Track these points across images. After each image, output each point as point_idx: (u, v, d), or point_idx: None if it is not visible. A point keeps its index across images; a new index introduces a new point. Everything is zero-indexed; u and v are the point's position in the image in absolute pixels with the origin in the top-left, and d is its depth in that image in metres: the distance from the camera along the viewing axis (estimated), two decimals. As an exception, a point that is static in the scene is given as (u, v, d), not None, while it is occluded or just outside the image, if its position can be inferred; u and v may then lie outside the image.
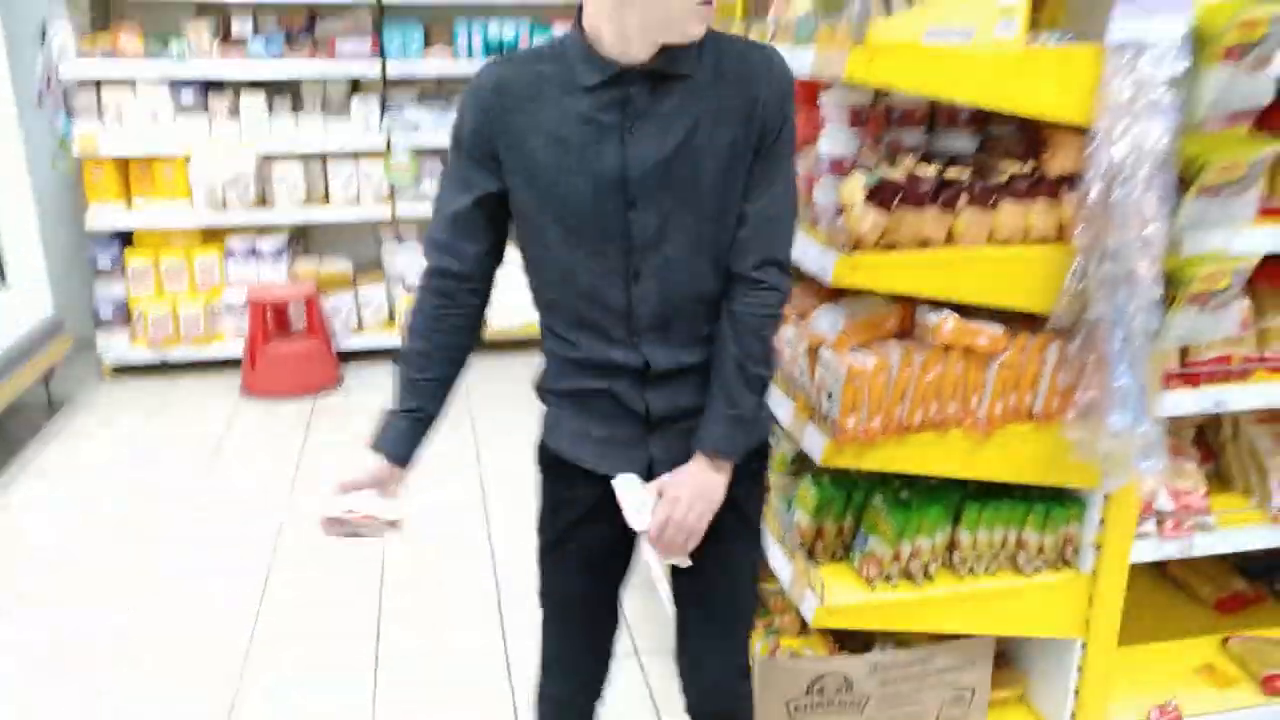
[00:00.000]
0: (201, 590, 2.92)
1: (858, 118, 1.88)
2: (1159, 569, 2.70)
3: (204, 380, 4.66)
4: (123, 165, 4.65)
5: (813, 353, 1.89)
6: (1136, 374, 1.77)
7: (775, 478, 2.18)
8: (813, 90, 1.97)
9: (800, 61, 1.83)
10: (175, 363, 4.76)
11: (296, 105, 4.89)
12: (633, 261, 1.42)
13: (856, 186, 1.75)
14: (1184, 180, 1.70)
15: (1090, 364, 1.81)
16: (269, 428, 4.14)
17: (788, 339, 1.99)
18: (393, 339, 4.93)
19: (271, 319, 4.51)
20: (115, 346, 4.68)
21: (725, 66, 1.40)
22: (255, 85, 4.81)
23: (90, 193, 4.60)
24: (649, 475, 1.50)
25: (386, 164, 4.87)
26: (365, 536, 1.50)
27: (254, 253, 4.78)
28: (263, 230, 4.86)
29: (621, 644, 1.76)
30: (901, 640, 2.07)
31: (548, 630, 1.67)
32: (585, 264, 1.42)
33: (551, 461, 1.58)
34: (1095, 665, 2.08)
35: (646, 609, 2.76)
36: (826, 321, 1.89)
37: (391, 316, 5.02)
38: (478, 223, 1.47)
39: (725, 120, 1.38)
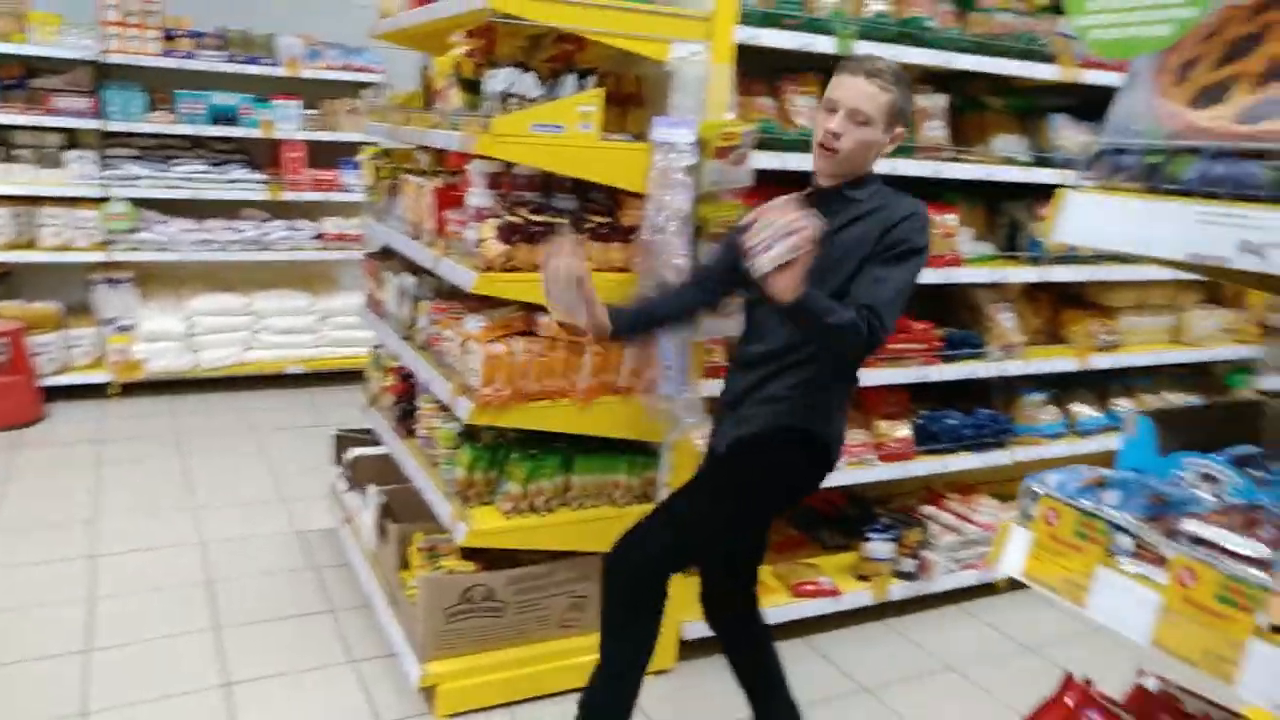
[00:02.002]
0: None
1: (494, 181, 2.67)
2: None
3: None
4: None
5: (464, 345, 2.62)
6: (678, 358, 2.66)
7: (441, 451, 2.87)
8: (464, 159, 2.75)
9: (450, 140, 2.61)
10: None
11: (7, 154, 5.04)
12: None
13: (489, 227, 2.53)
14: (699, 231, 2.63)
15: (649, 352, 2.68)
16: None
17: (446, 336, 2.72)
18: (100, 377, 5.12)
19: (-27, 355, 4.59)
20: None
21: (879, 207, 2.13)
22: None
23: None
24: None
25: (103, 212, 5.12)
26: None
27: (-47, 292, 4.83)
28: (-36, 271, 4.93)
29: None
30: (532, 560, 2.79)
31: None
32: None
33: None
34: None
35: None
36: (473, 323, 2.64)
37: (101, 358, 5.21)
38: None
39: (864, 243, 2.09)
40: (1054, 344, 3.77)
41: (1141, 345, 3.86)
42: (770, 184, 3.05)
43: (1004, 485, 3.87)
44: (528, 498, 2.71)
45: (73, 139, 5.25)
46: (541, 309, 2.67)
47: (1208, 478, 1.00)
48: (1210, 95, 0.88)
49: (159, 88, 5.39)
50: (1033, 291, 3.82)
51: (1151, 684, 1.21)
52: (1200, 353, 3.98)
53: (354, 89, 5.98)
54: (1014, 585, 3.57)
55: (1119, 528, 0.93)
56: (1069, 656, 3.16)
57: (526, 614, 2.77)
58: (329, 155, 5.88)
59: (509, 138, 2.47)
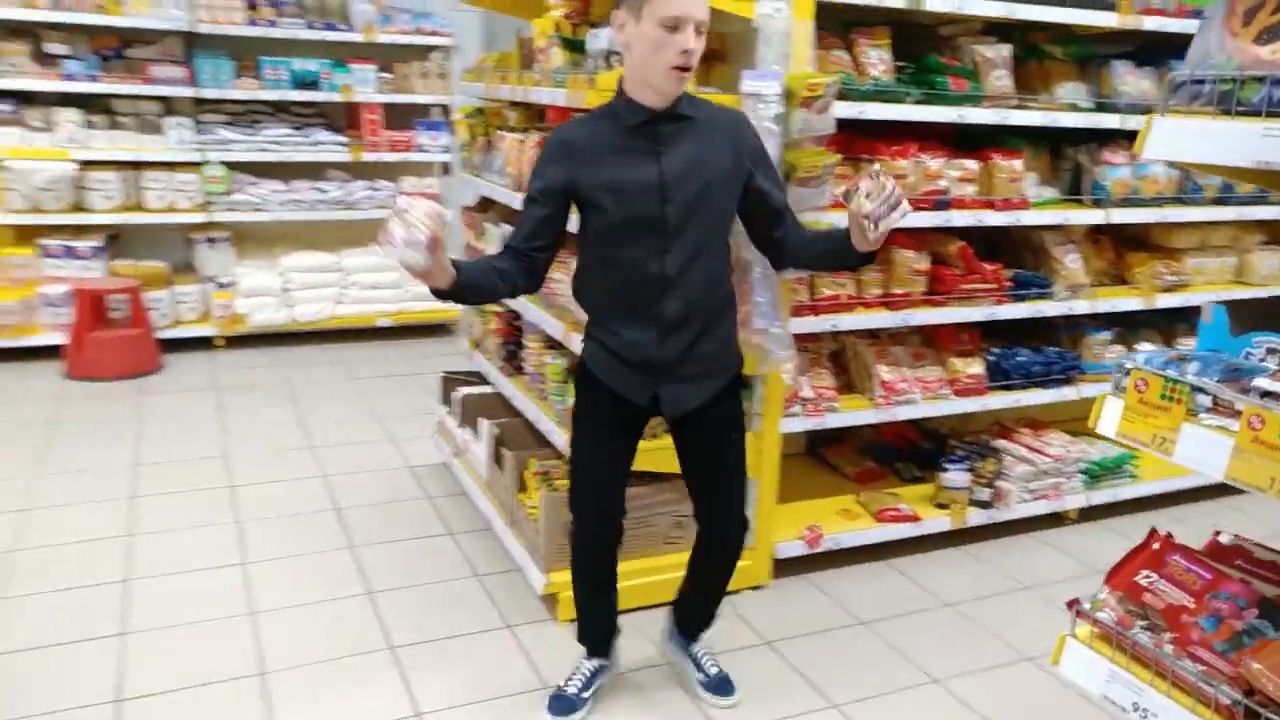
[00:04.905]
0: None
1: (598, 134, 2.90)
2: (820, 458, 3.89)
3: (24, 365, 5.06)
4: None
5: (573, 286, 2.87)
6: (770, 294, 2.88)
7: (551, 385, 3.14)
8: (566, 114, 2.98)
9: (555, 96, 2.85)
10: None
11: (113, 122, 5.39)
12: (665, 242, 2.13)
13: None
14: (788, 175, 2.84)
15: (744, 289, 2.91)
16: (102, 403, 4.63)
17: (555, 279, 2.97)
18: (207, 330, 5.50)
19: (91, 310, 4.96)
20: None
21: (713, 117, 2.18)
22: (67, 100, 5.27)
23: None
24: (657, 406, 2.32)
25: (202, 176, 5.45)
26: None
27: (70, 251, 5.21)
28: (79, 230, 5.30)
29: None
30: (639, 482, 3.05)
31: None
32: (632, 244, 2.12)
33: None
34: (765, 498, 3.17)
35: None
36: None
37: (206, 312, 5.57)
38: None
39: (719, 151, 2.16)
40: (1117, 285, 3.93)
41: (1207, 285, 3.99)
42: (849, 131, 3.26)
43: (1069, 423, 4.05)
44: (634, 425, 2.96)
45: (169, 106, 5.57)
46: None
47: (1273, 351, 1.22)
48: (1273, 33, 1.09)
49: (243, 55, 5.69)
50: (1094, 234, 3.97)
51: (1225, 539, 1.43)
52: (1268, 291, 4.09)
53: (423, 52, 6.22)
54: (1083, 516, 3.78)
55: (1199, 390, 1.15)
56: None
57: (635, 531, 3.04)
58: (402, 117, 6.15)
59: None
